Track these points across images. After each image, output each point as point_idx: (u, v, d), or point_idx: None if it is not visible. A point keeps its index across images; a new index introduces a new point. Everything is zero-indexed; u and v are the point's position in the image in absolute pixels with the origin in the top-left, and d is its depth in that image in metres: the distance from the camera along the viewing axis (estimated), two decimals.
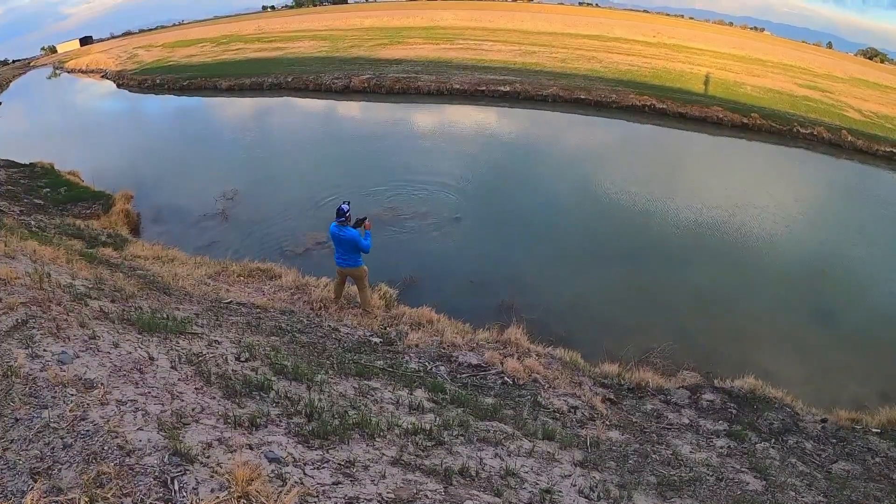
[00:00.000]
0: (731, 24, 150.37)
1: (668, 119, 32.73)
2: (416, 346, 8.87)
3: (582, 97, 34.92)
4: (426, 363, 8.25)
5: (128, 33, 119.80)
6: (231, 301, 9.49)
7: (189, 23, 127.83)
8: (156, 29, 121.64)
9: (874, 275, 15.97)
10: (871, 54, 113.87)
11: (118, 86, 48.42)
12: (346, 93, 37.60)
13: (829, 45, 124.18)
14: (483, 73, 39.21)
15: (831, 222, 19.98)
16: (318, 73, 40.32)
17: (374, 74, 38.90)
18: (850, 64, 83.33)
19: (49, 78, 65.88)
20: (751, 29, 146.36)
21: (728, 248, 16.47)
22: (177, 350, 5.56)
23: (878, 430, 8.48)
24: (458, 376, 8.07)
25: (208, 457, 3.72)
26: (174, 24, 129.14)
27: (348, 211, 9.38)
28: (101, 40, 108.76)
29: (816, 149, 30.43)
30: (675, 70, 44.04)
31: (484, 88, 36.12)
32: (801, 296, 14.34)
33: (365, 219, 9.96)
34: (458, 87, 36.47)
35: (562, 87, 35.99)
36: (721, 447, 7.32)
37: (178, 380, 4.89)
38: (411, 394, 6.63)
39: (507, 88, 35.97)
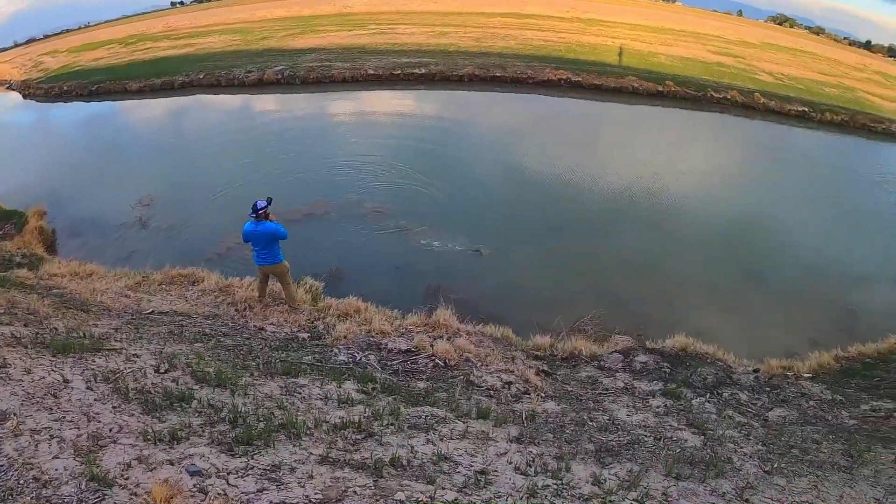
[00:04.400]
0: None
1: (585, 91, 33.28)
2: (345, 337, 8.85)
3: (498, 75, 35.05)
4: (355, 354, 8.26)
5: (32, 40, 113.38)
6: (152, 311, 9.26)
7: (96, 24, 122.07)
8: (61, 33, 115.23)
9: (795, 229, 16.75)
10: (781, 20, 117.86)
11: (24, 96, 45.83)
12: (260, 86, 36.54)
13: (740, 13, 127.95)
14: (397, 57, 38.74)
15: (749, 182, 20.88)
16: (230, 68, 38.98)
17: (288, 65, 37.94)
18: (761, 30, 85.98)
19: None
20: (663, 1, 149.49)
21: (651, 214, 16.95)
22: (92, 369, 5.42)
23: (810, 375, 8.99)
24: (389, 364, 8.13)
25: (127, 478, 3.67)
26: (80, 27, 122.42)
27: (264, 207, 9.14)
28: (4, 50, 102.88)
29: (731, 112, 31.63)
30: (590, 43, 44.65)
31: (399, 72, 35.77)
32: (725, 255, 14.95)
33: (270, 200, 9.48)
34: (372, 72, 35.98)
35: (477, 65, 36.02)
36: (657, 407, 7.56)
37: (95, 400, 4.79)
38: (340, 387, 6.63)
39: (423, 71, 35.73)
